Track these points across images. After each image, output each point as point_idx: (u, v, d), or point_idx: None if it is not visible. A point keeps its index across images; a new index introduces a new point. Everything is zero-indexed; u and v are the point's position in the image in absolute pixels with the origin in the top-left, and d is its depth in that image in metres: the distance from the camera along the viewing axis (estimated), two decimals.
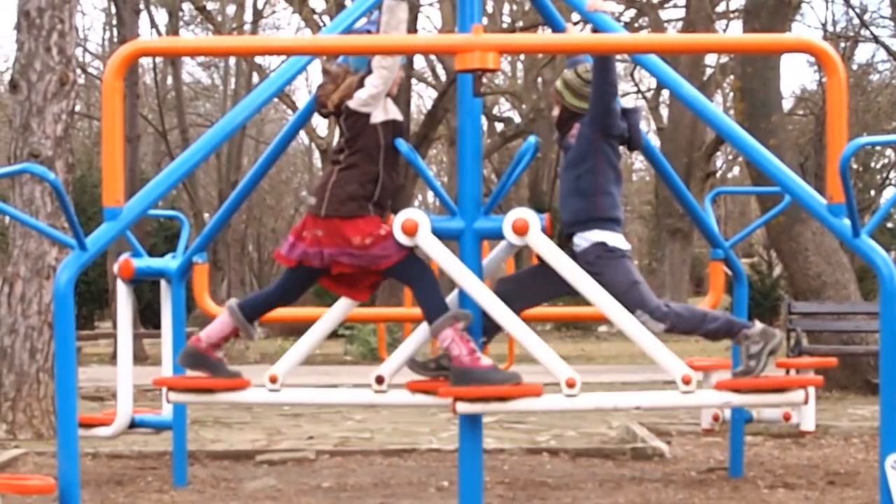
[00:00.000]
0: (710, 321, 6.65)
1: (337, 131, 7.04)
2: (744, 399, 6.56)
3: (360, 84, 6.70)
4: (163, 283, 8.94)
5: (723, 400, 6.63)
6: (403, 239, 6.54)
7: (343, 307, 6.87)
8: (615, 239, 6.73)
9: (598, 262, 6.67)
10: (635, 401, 6.80)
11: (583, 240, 6.73)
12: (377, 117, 6.69)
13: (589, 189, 6.74)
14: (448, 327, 6.51)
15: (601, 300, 6.48)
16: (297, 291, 6.97)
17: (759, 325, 6.64)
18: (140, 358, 20.82)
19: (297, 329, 32.25)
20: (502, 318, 6.51)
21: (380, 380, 6.65)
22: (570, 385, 6.36)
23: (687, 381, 6.34)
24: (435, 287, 6.67)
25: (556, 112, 7.13)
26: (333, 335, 25.40)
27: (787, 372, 13.17)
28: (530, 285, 6.84)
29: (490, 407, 6.50)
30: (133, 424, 9.01)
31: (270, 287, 7.14)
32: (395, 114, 6.81)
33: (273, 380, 6.71)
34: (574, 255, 6.70)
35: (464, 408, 6.44)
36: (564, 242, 6.80)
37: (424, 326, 6.67)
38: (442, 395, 6.50)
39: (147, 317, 28.53)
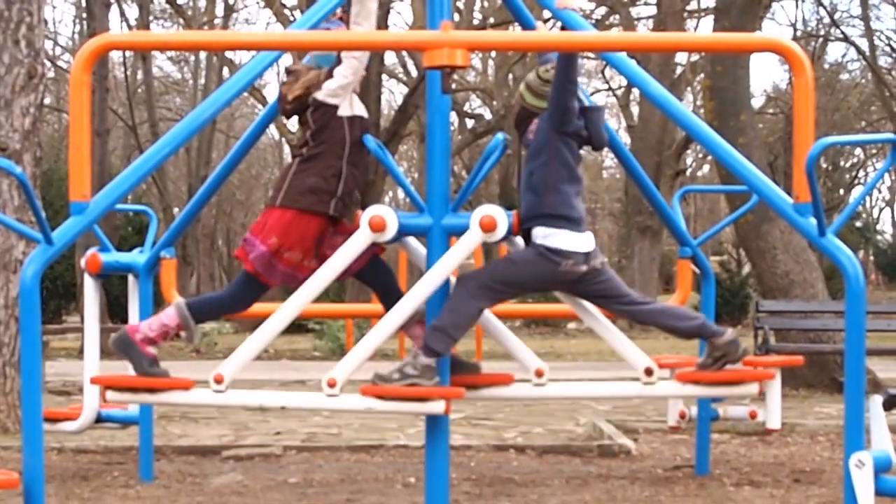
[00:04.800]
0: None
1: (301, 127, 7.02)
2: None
3: (329, 76, 6.71)
4: (130, 277, 8.92)
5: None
6: (370, 234, 6.55)
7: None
8: (562, 238, 6.68)
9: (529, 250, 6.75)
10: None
11: (536, 236, 6.73)
12: (344, 111, 6.70)
13: (539, 185, 6.71)
14: (177, 315, 6.77)
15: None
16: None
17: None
18: (108, 352, 20.70)
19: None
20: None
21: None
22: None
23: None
24: (221, 306, 7.13)
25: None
26: (303, 330, 25.48)
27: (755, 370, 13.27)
28: None
29: (139, 397, 6.80)
30: (99, 419, 8.98)
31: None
32: (360, 110, 6.82)
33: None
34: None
35: (113, 396, 6.72)
36: (524, 237, 6.81)
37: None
38: (93, 382, 7.01)
39: (115, 311, 28.45)
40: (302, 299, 6.63)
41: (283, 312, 6.68)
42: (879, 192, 57.25)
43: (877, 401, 5.84)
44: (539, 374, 6.96)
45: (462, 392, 6.63)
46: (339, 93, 6.70)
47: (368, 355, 6.57)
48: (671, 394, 7.46)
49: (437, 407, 6.46)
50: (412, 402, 6.50)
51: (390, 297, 6.85)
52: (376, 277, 7.02)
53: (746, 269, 39.00)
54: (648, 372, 6.81)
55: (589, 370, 16.48)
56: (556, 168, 6.74)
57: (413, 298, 6.58)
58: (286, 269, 6.72)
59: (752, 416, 9.85)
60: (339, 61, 6.75)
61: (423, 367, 6.49)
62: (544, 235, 6.66)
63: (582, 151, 6.95)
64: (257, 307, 7.19)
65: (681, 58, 35.09)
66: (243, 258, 6.80)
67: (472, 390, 6.84)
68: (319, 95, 6.72)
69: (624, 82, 40.39)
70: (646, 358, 6.85)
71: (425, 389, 6.45)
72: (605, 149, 7.37)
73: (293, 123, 7.01)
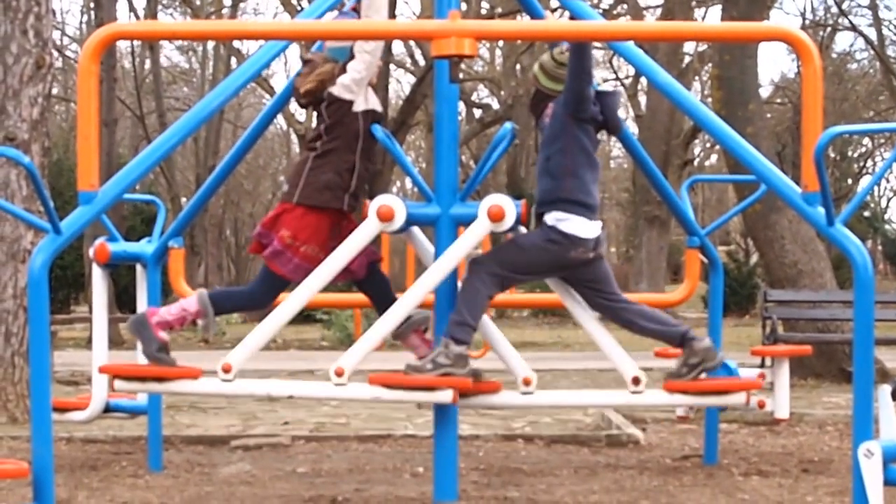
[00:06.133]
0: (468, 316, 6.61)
1: (314, 119, 7.03)
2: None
3: (343, 71, 6.71)
4: (138, 267, 8.92)
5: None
6: (378, 224, 6.55)
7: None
8: (576, 224, 6.70)
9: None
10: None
11: (549, 220, 6.74)
12: (359, 105, 6.70)
13: (557, 170, 6.74)
14: (198, 303, 6.82)
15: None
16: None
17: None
18: (116, 342, 20.77)
19: None
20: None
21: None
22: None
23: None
24: (243, 300, 7.08)
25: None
26: (311, 320, 25.49)
27: (763, 360, 13.26)
28: None
29: (147, 386, 6.84)
30: (108, 409, 8.99)
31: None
32: (374, 104, 6.83)
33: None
34: None
35: (121, 385, 6.73)
36: (537, 222, 6.82)
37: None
38: (101, 371, 7.19)
39: (124, 301, 28.47)
40: (309, 289, 6.65)
41: (291, 302, 6.71)
42: (888, 181, 57.11)
43: (885, 390, 5.84)
44: (526, 382, 6.80)
45: (469, 382, 6.60)
46: (354, 88, 6.70)
47: (376, 345, 6.59)
48: (658, 403, 7.30)
49: (444, 396, 6.46)
50: (420, 392, 6.51)
51: (385, 306, 6.87)
52: (374, 287, 7.10)
53: (754, 258, 38.97)
54: (636, 381, 6.74)
55: (596, 360, 16.42)
56: (575, 153, 6.76)
57: (421, 287, 6.59)
58: (302, 262, 6.73)
59: (761, 405, 9.84)
60: (352, 56, 6.75)
61: (456, 356, 6.50)
62: (558, 219, 6.67)
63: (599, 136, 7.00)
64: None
65: (689, 47, 35.05)
66: (260, 253, 6.84)
67: (462, 399, 6.72)
68: (334, 90, 6.72)
69: (632, 72, 40.35)
70: (634, 366, 6.79)
71: (432, 379, 6.45)
72: (613, 138, 7.38)
73: (301, 113, 7.03)
